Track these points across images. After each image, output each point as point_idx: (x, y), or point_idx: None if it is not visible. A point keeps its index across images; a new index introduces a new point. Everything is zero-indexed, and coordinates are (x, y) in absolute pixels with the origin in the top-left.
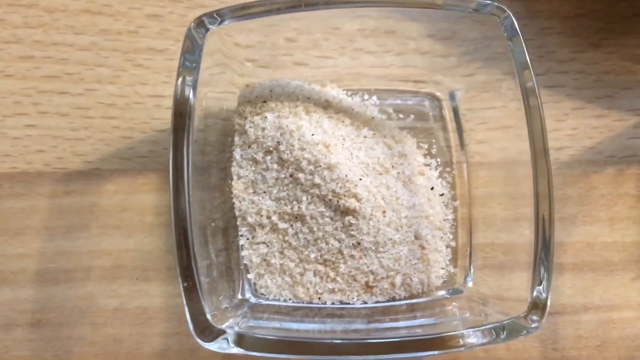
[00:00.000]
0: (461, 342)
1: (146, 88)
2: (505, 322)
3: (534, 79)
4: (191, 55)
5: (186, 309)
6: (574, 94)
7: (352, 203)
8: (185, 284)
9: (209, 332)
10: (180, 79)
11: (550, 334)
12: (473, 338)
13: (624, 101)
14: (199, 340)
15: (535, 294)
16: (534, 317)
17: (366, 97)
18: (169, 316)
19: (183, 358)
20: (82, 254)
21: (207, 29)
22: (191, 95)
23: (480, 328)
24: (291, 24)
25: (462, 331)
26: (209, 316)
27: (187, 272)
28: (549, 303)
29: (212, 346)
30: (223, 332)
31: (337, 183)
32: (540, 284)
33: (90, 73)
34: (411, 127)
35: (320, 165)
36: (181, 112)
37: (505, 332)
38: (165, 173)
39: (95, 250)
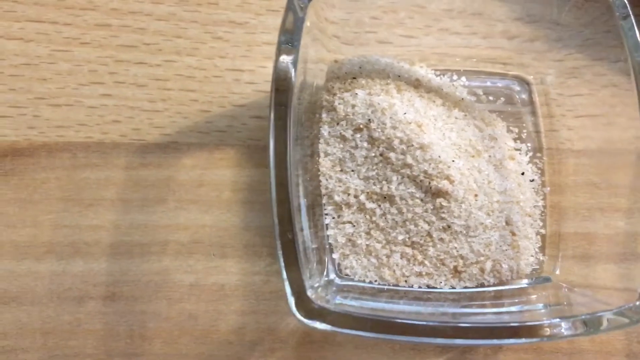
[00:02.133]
0: (550, 332)
1: (225, 62)
2: (609, 312)
3: None
4: (292, 33)
5: (287, 284)
6: None
7: (444, 185)
8: (287, 262)
9: (310, 310)
10: (281, 57)
11: (636, 327)
12: (562, 329)
13: None
14: (299, 317)
15: None
16: None
17: (455, 77)
18: (246, 294)
19: (259, 337)
20: (158, 228)
21: (309, 0)
22: (292, 73)
23: (573, 319)
24: (376, 1)
25: (552, 320)
26: (309, 293)
27: (289, 249)
28: None
29: (312, 323)
30: (323, 310)
31: (430, 164)
32: None
33: (169, 44)
34: (500, 111)
35: (413, 145)
36: (283, 88)
37: (601, 323)
38: (242, 149)
39: (171, 225)
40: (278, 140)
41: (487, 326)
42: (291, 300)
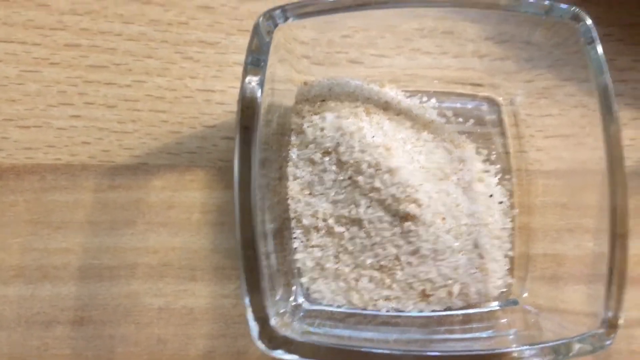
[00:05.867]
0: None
1: (196, 82)
2: (572, 339)
3: (611, 84)
4: (259, 53)
5: (250, 312)
6: (632, 103)
7: (412, 209)
8: (250, 289)
9: (274, 338)
10: (247, 77)
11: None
12: (531, 357)
13: None
14: (261, 347)
15: (606, 311)
16: (608, 335)
17: (424, 99)
18: (215, 317)
19: None
20: (127, 251)
21: (276, 25)
22: (258, 94)
23: (542, 345)
24: (347, 22)
25: (520, 347)
26: (274, 320)
27: (252, 276)
28: (621, 321)
29: (276, 353)
30: (287, 340)
31: (398, 187)
32: (614, 299)
33: (139, 64)
34: (470, 132)
35: (381, 169)
36: (249, 110)
37: (570, 349)
38: (213, 170)
39: (140, 248)
40: (243, 163)
41: (454, 355)
42: (254, 329)
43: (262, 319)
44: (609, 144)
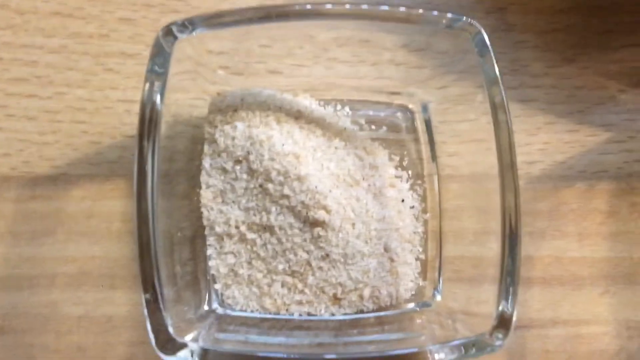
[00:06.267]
0: (429, 359)
1: (116, 93)
2: (471, 339)
3: (503, 93)
4: (159, 61)
5: (147, 321)
6: (546, 108)
7: (321, 215)
8: (147, 295)
9: (171, 345)
10: (147, 85)
11: (518, 348)
12: (441, 354)
13: (595, 117)
14: (160, 354)
15: (501, 308)
16: (499, 335)
17: (339, 107)
18: (135, 325)
19: None
20: (47, 260)
21: (176, 38)
22: (158, 101)
23: (448, 344)
24: (265, 32)
25: (430, 347)
26: (170, 329)
27: (149, 283)
28: (515, 319)
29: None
30: (185, 345)
31: (307, 194)
32: (506, 299)
33: (60, 76)
34: (383, 139)
35: (290, 176)
36: (147, 118)
37: (474, 349)
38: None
39: (60, 257)
40: (139, 172)
41: (362, 356)
42: (151, 337)
43: (160, 327)
44: (499, 150)
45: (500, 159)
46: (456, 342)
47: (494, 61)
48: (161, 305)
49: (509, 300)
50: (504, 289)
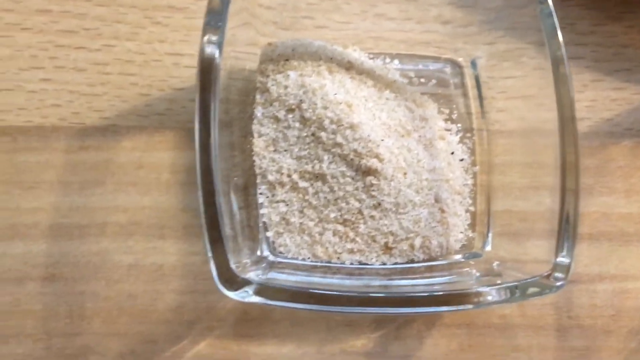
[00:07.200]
0: (477, 300)
1: (164, 46)
2: (527, 280)
3: (563, 46)
4: (217, 14)
5: (211, 258)
6: (592, 66)
7: (373, 163)
8: (211, 235)
9: (233, 281)
10: (205, 37)
11: (566, 302)
12: (489, 296)
13: None
14: (221, 289)
15: (558, 259)
16: (559, 275)
17: (388, 60)
18: (184, 274)
19: (198, 316)
20: (97, 210)
21: None
22: (217, 55)
23: (497, 286)
24: None
25: (478, 289)
26: (232, 266)
27: (213, 223)
28: (572, 266)
29: (235, 295)
30: (247, 281)
31: (360, 143)
32: (564, 248)
33: (108, 29)
34: (432, 93)
35: (343, 125)
36: (208, 71)
37: (520, 291)
38: (182, 131)
39: (110, 207)
40: (203, 123)
41: (416, 296)
42: (215, 273)
43: (223, 264)
44: (560, 104)
45: (560, 113)
46: (506, 284)
47: (554, 13)
48: (225, 244)
49: (567, 252)
50: (562, 242)
